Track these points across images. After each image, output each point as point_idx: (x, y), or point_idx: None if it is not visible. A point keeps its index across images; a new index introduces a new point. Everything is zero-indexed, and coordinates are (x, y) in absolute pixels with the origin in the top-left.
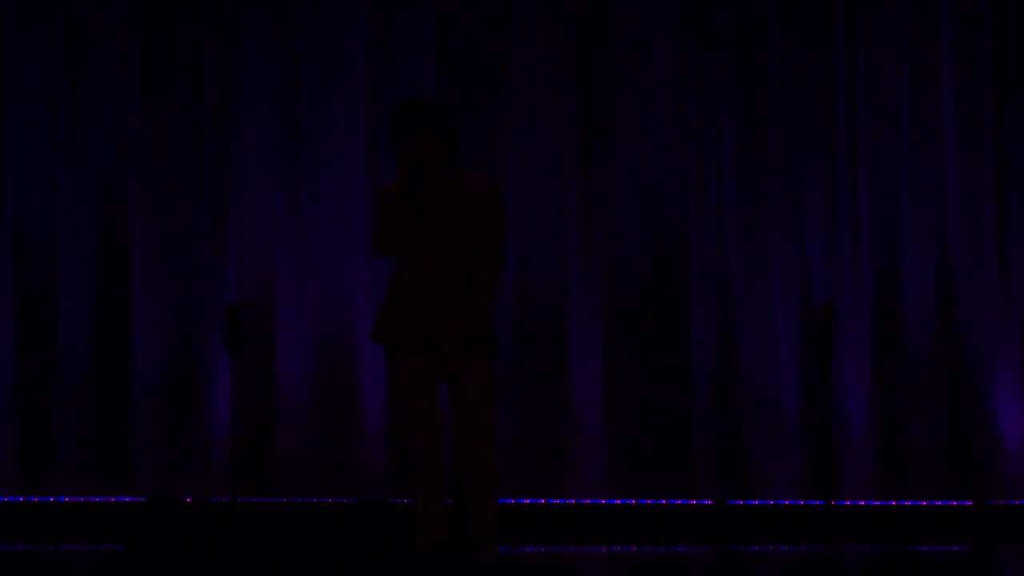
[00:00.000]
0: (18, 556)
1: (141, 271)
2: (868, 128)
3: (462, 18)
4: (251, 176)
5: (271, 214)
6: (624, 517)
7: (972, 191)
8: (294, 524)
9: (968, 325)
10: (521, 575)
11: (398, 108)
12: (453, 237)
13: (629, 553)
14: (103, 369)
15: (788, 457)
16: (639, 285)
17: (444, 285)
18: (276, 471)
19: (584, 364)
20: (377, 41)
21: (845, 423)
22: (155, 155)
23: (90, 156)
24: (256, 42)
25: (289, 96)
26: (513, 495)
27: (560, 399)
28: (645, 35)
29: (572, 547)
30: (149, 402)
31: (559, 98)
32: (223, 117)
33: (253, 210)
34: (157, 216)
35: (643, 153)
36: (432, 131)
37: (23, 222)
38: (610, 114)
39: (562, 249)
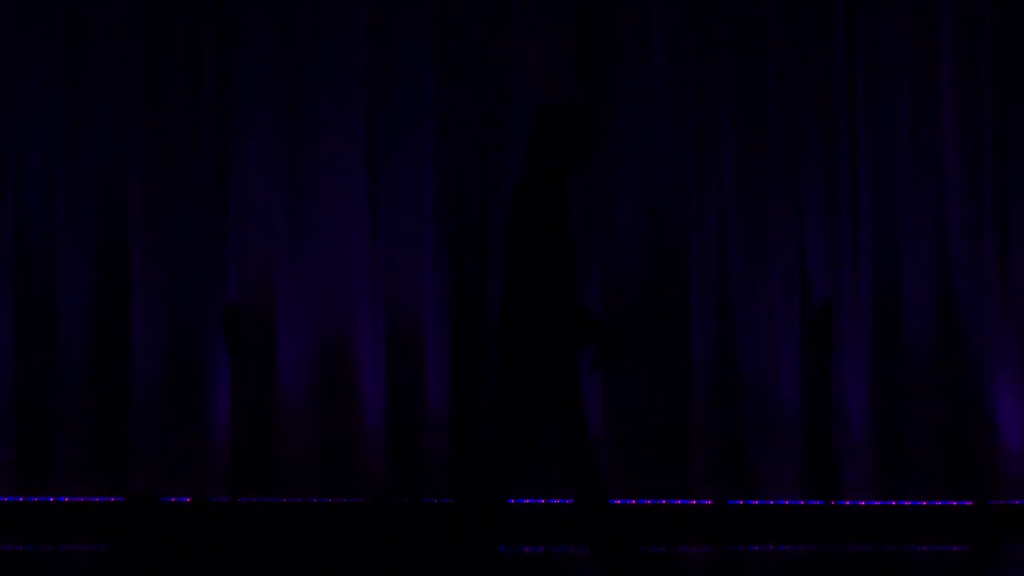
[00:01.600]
0: (18, 556)
1: (141, 271)
2: (868, 128)
3: (462, 18)
4: (251, 176)
5: (271, 214)
6: (624, 517)
7: (972, 191)
8: (294, 524)
9: (968, 325)
10: (521, 575)
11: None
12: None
13: None
14: (103, 369)
15: (788, 457)
16: (639, 285)
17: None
18: (276, 471)
19: (584, 364)
20: (377, 41)
21: (845, 423)
22: (155, 155)
23: (90, 156)
24: (256, 42)
25: (289, 96)
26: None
27: None
28: (645, 35)
29: (572, 547)
30: (149, 402)
31: (559, 98)
32: (223, 117)
33: (253, 210)
34: (157, 216)
35: (643, 153)
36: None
37: (23, 222)
38: (610, 114)
39: None
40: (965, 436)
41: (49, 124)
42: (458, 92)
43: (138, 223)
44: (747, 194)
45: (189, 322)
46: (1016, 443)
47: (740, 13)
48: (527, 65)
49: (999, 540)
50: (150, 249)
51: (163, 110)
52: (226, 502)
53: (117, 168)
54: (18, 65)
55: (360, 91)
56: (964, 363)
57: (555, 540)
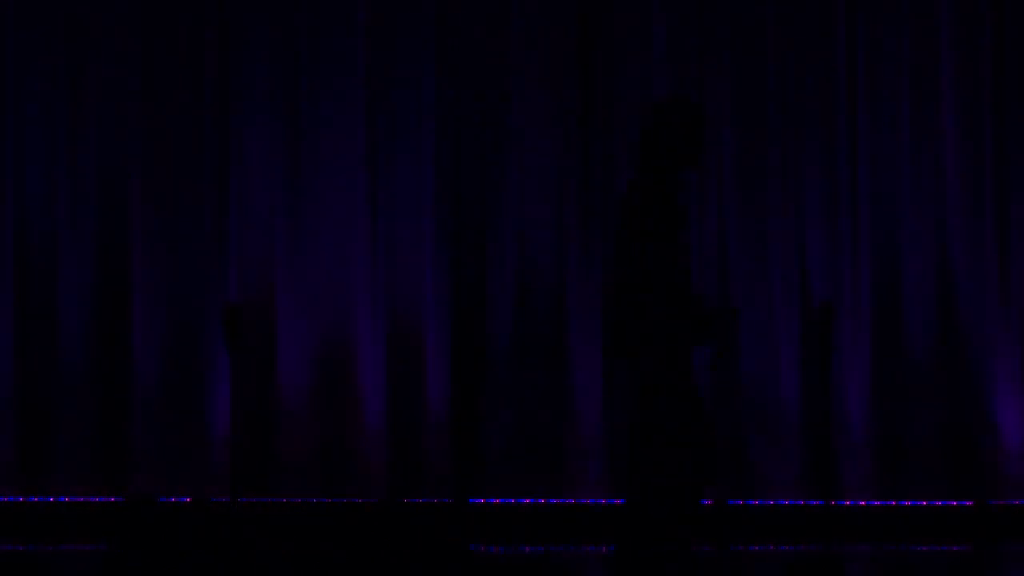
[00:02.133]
0: (18, 556)
1: (141, 271)
2: (868, 128)
3: (462, 18)
4: (251, 176)
5: (271, 214)
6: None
7: (972, 191)
8: (294, 524)
9: (968, 325)
10: (521, 575)
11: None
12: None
13: None
14: (103, 369)
15: (788, 457)
16: None
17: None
18: (276, 471)
19: (584, 364)
20: (377, 41)
21: (845, 423)
22: (155, 155)
23: (90, 156)
24: (256, 42)
25: (289, 96)
26: (513, 495)
27: (560, 399)
28: (645, 35)
29: (572, 547)
30: (149, 402)
31: (559, 98)
32: (223, 117)
33: (253, 210)
34: (157, 216)
35: None
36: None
37: (23, 222)
38: (610, 115)
39: (562, 249)
40: (965, 436)
41: (49, 124)
42: (458, 92)
43: (138, 223)
44: (747, 194)
45: (189, 322)
46: (1016, 443)
47: (740, 13)
48: (527, 65)
49: (999, 540)
50: (150, 249)
51: (163, 110)
52: (226, 502)
53: (117, 168)
54: (18, 65)
55: (360, 91)
56: (964, 363)
57: (555, 540)
